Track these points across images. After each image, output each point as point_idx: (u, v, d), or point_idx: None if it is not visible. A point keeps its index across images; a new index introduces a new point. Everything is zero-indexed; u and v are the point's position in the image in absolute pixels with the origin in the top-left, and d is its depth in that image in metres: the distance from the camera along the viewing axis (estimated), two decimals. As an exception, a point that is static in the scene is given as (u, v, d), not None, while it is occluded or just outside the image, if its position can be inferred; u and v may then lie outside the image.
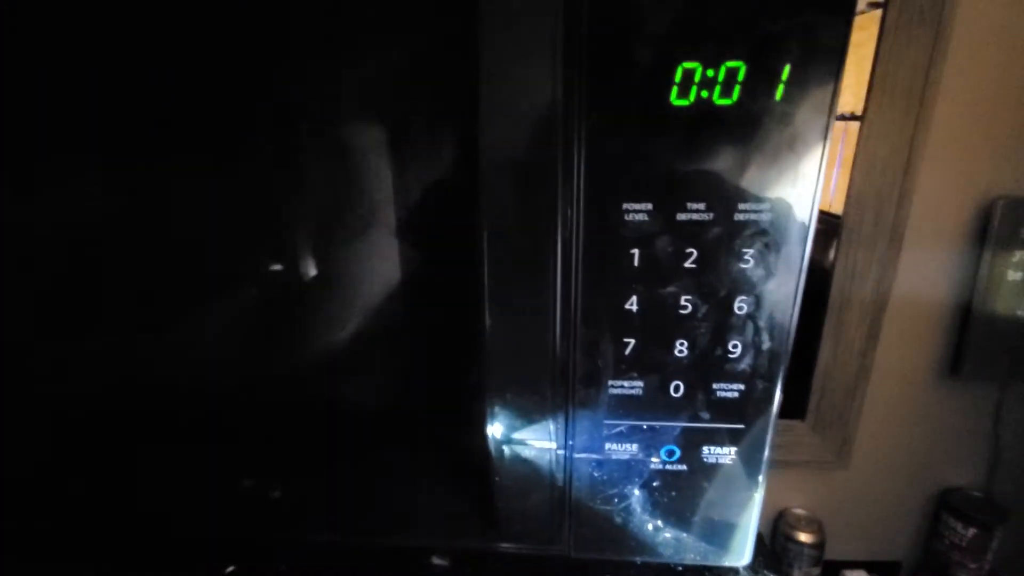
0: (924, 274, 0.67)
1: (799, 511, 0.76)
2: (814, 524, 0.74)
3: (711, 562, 0.34)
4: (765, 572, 0.36)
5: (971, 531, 0.71)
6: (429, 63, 0.27)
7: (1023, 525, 0.73)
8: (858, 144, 0.63)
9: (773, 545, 0.76)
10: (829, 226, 0.67)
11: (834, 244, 0.66)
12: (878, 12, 0.59)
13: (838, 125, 0.64)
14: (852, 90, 0.62)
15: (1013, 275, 0.66)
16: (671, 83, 0.25)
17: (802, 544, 0.73)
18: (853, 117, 0.63)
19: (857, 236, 0.66)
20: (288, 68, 0.27)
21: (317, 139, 0.29)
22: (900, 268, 0.66)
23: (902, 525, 0.78)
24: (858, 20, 0.62)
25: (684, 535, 0.34)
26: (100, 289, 0.33)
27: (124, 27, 0.27)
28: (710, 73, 0.25)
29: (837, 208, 0.64)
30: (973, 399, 0.71)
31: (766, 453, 0.31)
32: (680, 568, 0.36)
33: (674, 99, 0.26)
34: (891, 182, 0.64)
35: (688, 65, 0.25)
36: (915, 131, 0.61)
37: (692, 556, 0.34)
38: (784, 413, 0.81)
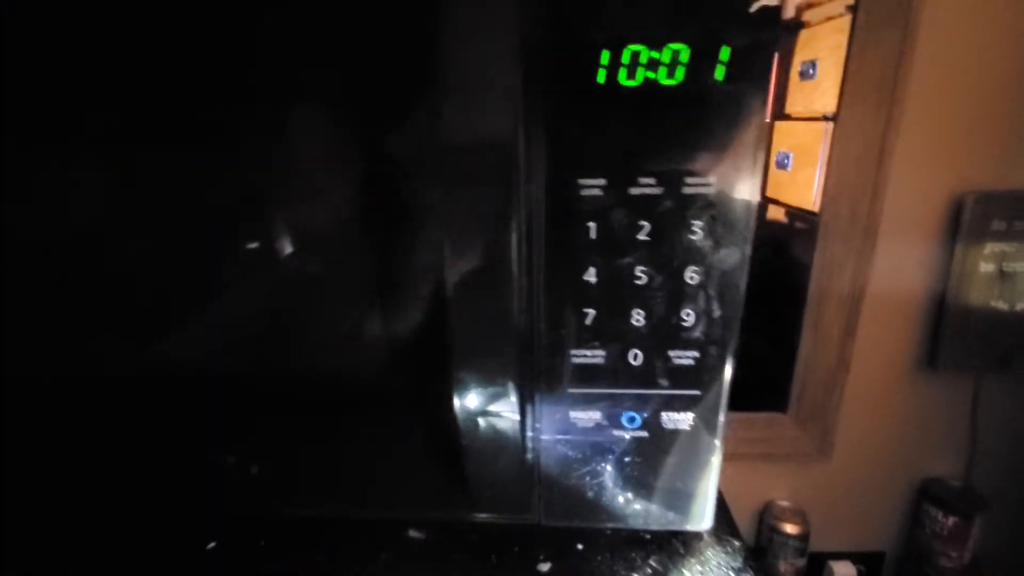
0: (899, 267, 0.68)
1: (783, 503, 0.77)
2: (799, 516, 0.75)
3: (675, 526, 0.36)
4: (728, 538, 0.37)
5: (951, 520, 0.72)
6: (386, 41, 0.28)
7: (1002, 513, 0.74)
8: (832, 142, 0.65)
9: (759, 537, 0.77)
10: (811, 224, 0.69)
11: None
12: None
13: (820, 126, 0.67)
14: (833, 92, 0.64)
15: (985, 267, 0.68)
16: (619, 65, 0.27)
17: (787, 535, 0.75)
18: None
19: (834, 231, 0.68)
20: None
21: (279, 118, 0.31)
22: (876, 262, 0.68)
23: (885, 515, 0.79)
24: (836, 23, 0.64)
25: (648, 501, 0.35)
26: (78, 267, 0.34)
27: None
28: (655, 55, 0.27)
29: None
30: (950, 390, 0.72)
31: (721, 418, 0.33)
32: (648, 536, 0.38)
33: (623, 80, 0.27)
34: (864, 178, 0.66)
35: (634, 47, 0.27)
36: (886, 128, 0.64)
37: (657, 522, 0.36)
38: (766, 406, 0.83)
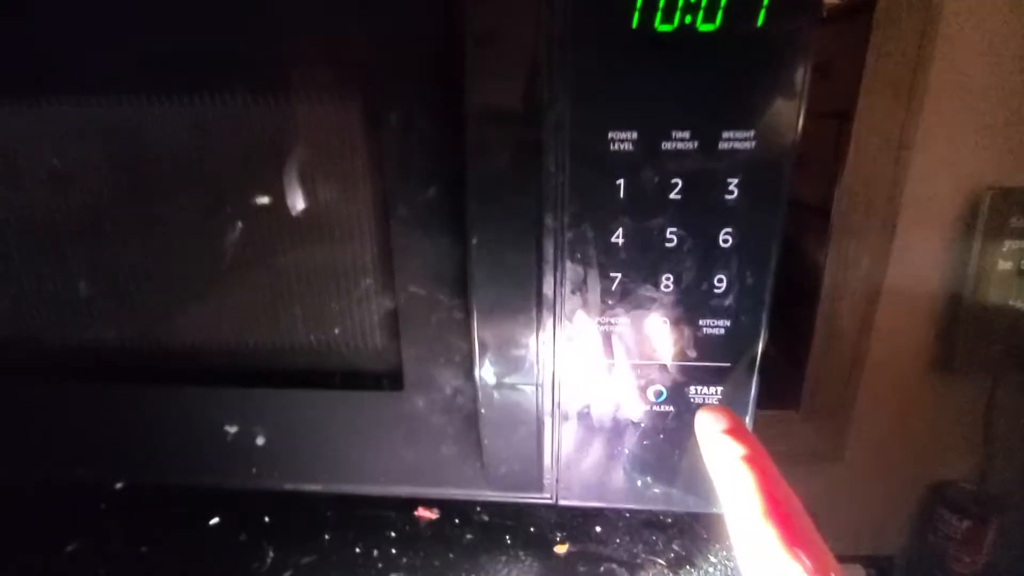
0: (915, 265, 0.67)
1: (793, 504, 0.75)
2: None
3: (698, 509, 0.34)
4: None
5: (966, 524, 0.71)
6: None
7: (1018, 517, 0.73)
8: (850, 135, 0.64)
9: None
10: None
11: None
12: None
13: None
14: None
15: (1003, 265, 0.66)
16: (655, 8, 0.26)
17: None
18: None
19: (848, 226, 0.67)
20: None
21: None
22: (892, 259, 0.67)
23: (896, 518, 0.77)
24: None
25: (671, 482, 0.34)
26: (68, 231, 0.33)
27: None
28: (693, -2, 0.26)
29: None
30: (966, 390, 0.71)
31: (752, 393, 0.31)
32: (669, 519, 0.36)
33: (658, 25, 0.26)
34: (882, 173, 0.64)
35: (672, -12, 0.26)
36: (905, 122, 0.62)
37: (679, 504, 0.34)
38: (777, 404, 0.81)
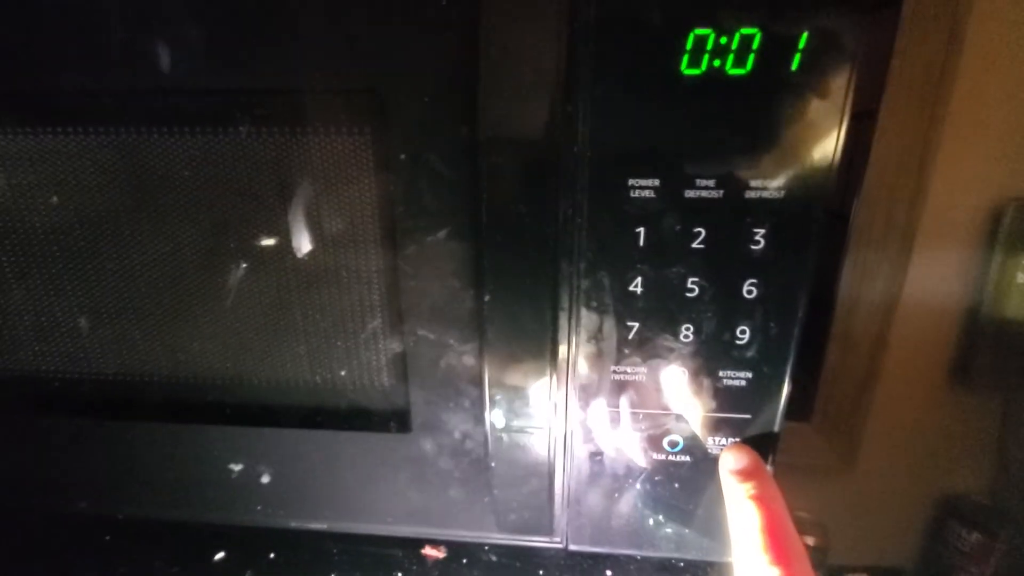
0: (935, 276, 0.65)
1: (802, 514, 0.75)
2: (818, 528, 0.73)
3: (712, 557, 0.33)
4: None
5: (975, 536, 0.70)
6: (427, 27, 0.25)
7: (1028, 532, 0.72)
8: (870, 137, 0.62)
9: (775, 549, 0.75)
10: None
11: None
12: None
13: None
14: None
15: (1023, 278, 0.64)
16: (682, 51, 0.24)
17: (807, 548, 0.72)
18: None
19: (867, 236, 0.65)
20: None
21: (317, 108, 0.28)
22: (911, 270, 0.65)
23: (905, 531, 0.76)
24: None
25: (686, 529, 0.33)
26: (87, 269, 0.32)
27: None
28: (723, 41, 0.24)
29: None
30: (981, 404, 0.69)
31: (774, 444, 0.30)
32: (682, 564, 0.35)
33: (684, 68, 0.24)
34: (904, 181, 0.62)
35: (700, 32, 0.24)
36: (929, 130, 0.60)
37: (693, 550, 0.33)
38: (789, 415, 0.80)
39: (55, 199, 0.30)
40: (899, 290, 0.66)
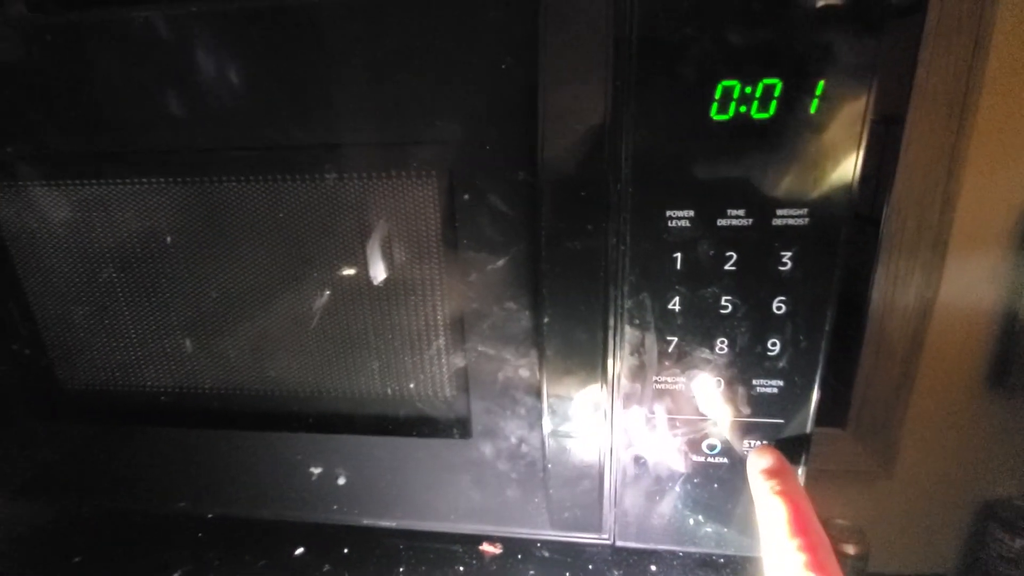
0: (968, 280, 0.66)
1: (841, 521, 0.75)
2: (857, 535, 0.73)
3: (751, 552, 0.36)
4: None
5: (1019, 542, 0.70)
6: (489, 88, 0.29)
7: (1076, 538, 0.71)
8: (898, 141, 0.63)
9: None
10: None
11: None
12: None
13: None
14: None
15: (1057, 282, 0.65)
16: (711, 99, 0.28)
17: (846, 556, 0.73)
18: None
19: (899, 242, 0.66)
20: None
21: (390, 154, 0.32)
22: (944, 274, 0.66)
23: (947, 536, 0.76)
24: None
25: (724, 526, 0.36)
26: (163, 288, 0.37)
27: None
28: (748, 90, 0.27)
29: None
30: (1019, 407, 0.69)
31: (805, 446, 0.33)
32: (722, 560, 0.38)
33: (714, 114, 0.28)
34: (933, 188, 0.64)
35: (727, 83, 0.27)
36: (957, 136, 0.61)
37: (732, 547, 0.36)
38: (824, 421, 0.81)
39: (169, 239, 0.35)
40: (933, 295, 0.68)
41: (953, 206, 0.65)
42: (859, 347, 0.71)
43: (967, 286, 0.68)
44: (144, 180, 0.34)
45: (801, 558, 0.26)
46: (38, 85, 0.33)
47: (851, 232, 0.29)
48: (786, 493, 0.30)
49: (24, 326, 0.39)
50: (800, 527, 0.28)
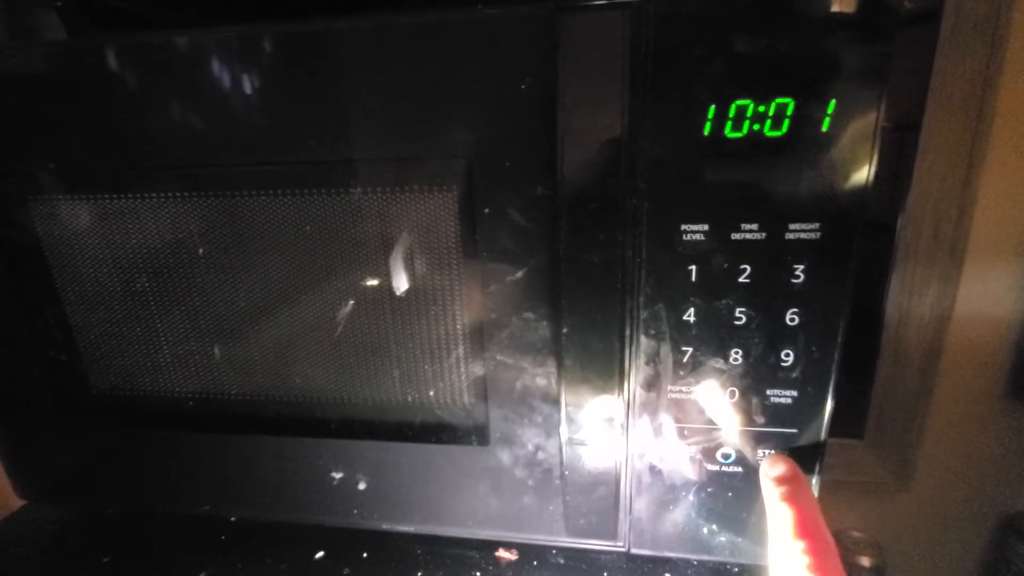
0: (987, 290, 0.66)
1: (856, 533, 0.75)
2: (873, 548, 0.73)
3: (765, 563, 0.36)
4: (819, 574, 0.37)
5: (1041, 557, 0.69)
6: (509, 106, 0.31)
7: (1098, 553, 0.70)
8: (913, 148, 0.63)
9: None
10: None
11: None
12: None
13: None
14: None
15: (1077, 291, 0.64)
16: (726, 118, 0.28)
17: (862, 569, 0.72)
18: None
19: (914, 251, 0.66)
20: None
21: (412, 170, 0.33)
22: (962, 284, 0.65)
23: (966, 550, 0.75)
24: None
25: (739, 536, 0.36)
26: (192, 294, 0.38)
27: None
28: (761, 109, 0.28)
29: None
30: (1040, 420, 0.69)
31: (818, 456, 0.33)
32: (736, 568, 0.38)
33: (728, 132, 0.29)
34: (950, 196, 0.64)
35: (741, 103, 0.28)
36: (973, 144, 0.61)
37: (746, 556, 0.36)
38: (841, 432, 0.80)
39: (200, 250, 0.36)
40: (950, 304, 0.68)
41: (970, 214, 0.64)
42: (876, 357, 0.70)
43: (985, 295, 0.67)
44: (175, 194, 0.36)
45: (804, 560, 0.27)
46: (77, 105, 0.34)
47: (864, 243, 0.29)
48: (794, 498, 0.30)
49: (60, 333, 0.40)
50: (805, 530, 0.28)
